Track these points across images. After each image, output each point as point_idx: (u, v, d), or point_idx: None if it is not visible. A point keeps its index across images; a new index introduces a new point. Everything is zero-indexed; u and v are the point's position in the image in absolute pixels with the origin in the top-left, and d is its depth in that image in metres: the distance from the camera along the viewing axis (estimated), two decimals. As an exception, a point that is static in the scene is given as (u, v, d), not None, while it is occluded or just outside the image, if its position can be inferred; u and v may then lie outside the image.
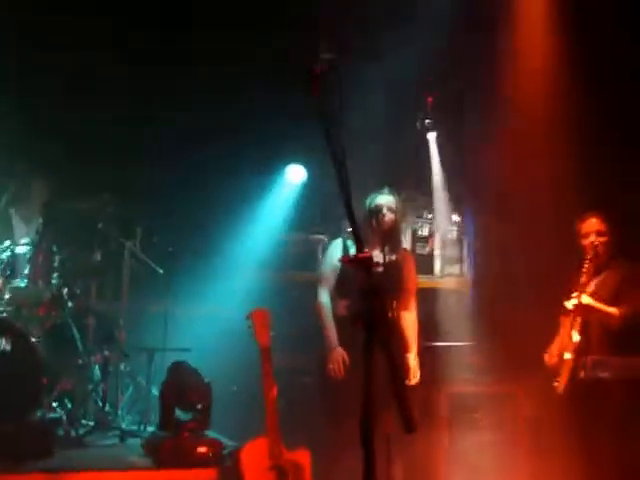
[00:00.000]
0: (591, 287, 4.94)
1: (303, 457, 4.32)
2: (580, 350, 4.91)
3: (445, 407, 6.12)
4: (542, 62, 6.61)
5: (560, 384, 4.97)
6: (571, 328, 4.93)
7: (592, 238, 4.98)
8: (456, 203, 7.06)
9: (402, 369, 4.67)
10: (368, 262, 2.18)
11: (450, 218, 6.99)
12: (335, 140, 2.45)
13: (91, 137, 6.62)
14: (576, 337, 4.90)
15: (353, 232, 2.27)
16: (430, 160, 7.25)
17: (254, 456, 4.21)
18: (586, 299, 4.84)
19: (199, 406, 4.87)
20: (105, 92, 6.64)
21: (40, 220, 5.73)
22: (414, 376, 4.83)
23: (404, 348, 4.85)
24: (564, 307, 4.95)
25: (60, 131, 6.43)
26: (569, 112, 6.17)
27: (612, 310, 4.86)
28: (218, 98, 6.86)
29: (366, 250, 2.25)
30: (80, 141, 6.54)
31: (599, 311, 4.87)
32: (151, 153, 6.77)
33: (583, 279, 4.91)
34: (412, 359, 4.85)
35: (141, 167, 6.74)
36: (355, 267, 2.18)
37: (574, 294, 4.89)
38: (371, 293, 2.11)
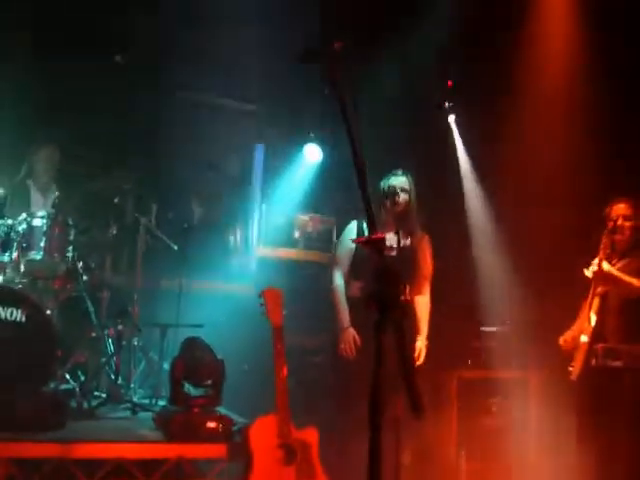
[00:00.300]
0: (602, 252, 4.89)
1: (311, 436, 4.34)
2: (596, 334, 4.89)
3: (455, 391, 6.13)
4: (562, 46, 6.56)
5: (575, 369, 4.97)
6: (589, 309, 4.90)
7: (619, 221, 4.99)
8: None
9: (413, 353, 4.69)
10: (381, 243, 2.18)
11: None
12: (351, 121, 2.44)
13: (108, 116, 6.61)
14: (594, 319, 4.88)
15: (366, 213, 2.27)
16: (449, 142, 7.25)
17: (263, 433, 4.23)
18: (606, 265, 4.81)
19: (209, 382, 4.88)
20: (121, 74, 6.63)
21: (57, 193, 5.75)
22: (419, 358, 4.86)
23: (416, 332, 4.87)
24: (584, 275, 4.91)
25: (80, 109, 6.43)
26: (589, 96, 6.13)
27: (631, 280, 4.84)
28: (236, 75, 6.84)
29: (380, 232, 2.26)
30: (96, 120, 6.53)
31: (619, 280, 4.84)
32: (168, 130, 6.76)
33: (605, 250, 4.87)
34: (420, 341, 4.88)
35: (158, 145, 6.74)
36: (368, 248, 2.19)
37: (595, 261, 4.84)
38: (384, 275, 2.11)
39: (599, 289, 4.93)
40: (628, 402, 4.81)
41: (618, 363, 4.80)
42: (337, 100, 2.50)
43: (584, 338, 4.91)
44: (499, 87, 6.57)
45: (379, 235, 2.20)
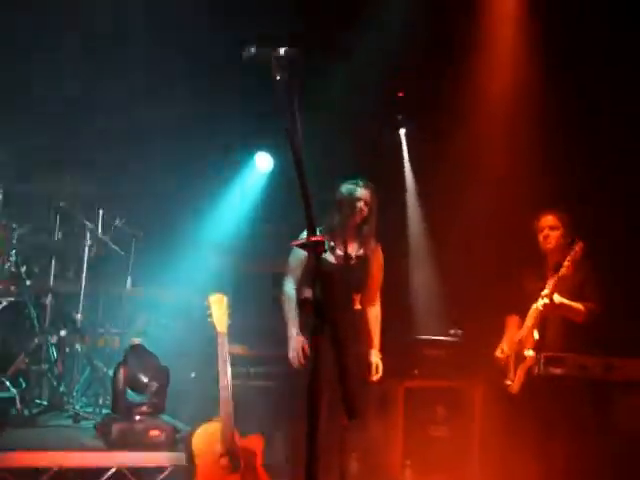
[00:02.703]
0: (552, 284, 4.97)
1: (256, 444, 4.32)
2: (539, 347, 4.95)
3: (401, 401, 6.14)
4: (507, 57, 6.67)
5: (515, 383, 5.01)
6: (532, 327, 4.97)
7: (545, 232, 5.11)
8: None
9: (348, 356, 4.64)
10: (319, 246, 2.17)
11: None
12: (294, 126, 2.44)
13: (57, 117, 6.52)
14: (537, 335, 4.94)
15: (306, 216, 2.25)
16: (398, 156, 7.32)
17: (206, 441, 4.19)
18: (558, 298, 4.88)
19: (153, 389, 4.84)
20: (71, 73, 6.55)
21: (0, 196, 5.65)
22: (376, 372, 4.79)
23: (367, 343, 4.84)
24: (534, 308, 4.98)
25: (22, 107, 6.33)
26: (533, 108, 6.24)
27: (578, 306, 4.92)
28: (183, 83, 6.79)
29: (333, 240, 2.26)
30: (43, 120, 6.43)
31: (570, 308, 4.92)
32: (119, 137, 6.68)
33: (554, 284, 4.95)
34: (374, 355, 4.81)
35: (106, 151, 6.66)
36: (307, 251, 2.18)
37: (545, 292, 4.92)
38: (321, 278, 2.10)
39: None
40: (569, 410, 4.87)
41: (559, 371, 4.85)
42: (284, 105, 2.49)
43: (529, 352, 4.96)
44: (444, 103, 6.65)
45: (317, 237, 2.19)
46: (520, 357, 5.02)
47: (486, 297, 6.05)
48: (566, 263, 4.89)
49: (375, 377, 4.79)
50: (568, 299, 4.94)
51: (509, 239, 6.05)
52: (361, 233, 4.80)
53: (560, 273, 4.89)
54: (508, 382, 5.08)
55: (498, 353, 5.20)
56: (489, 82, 6.73)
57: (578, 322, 4.93)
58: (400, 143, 7.52)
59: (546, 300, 4.89)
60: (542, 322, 4.97)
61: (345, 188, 4.81)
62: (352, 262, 4.66)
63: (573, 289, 4.98)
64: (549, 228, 5.11)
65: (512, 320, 5.25)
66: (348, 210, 4.74)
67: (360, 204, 4.74)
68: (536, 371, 4.93)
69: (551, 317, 4.99)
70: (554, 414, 4.91)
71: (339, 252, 4.67)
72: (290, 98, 2.45)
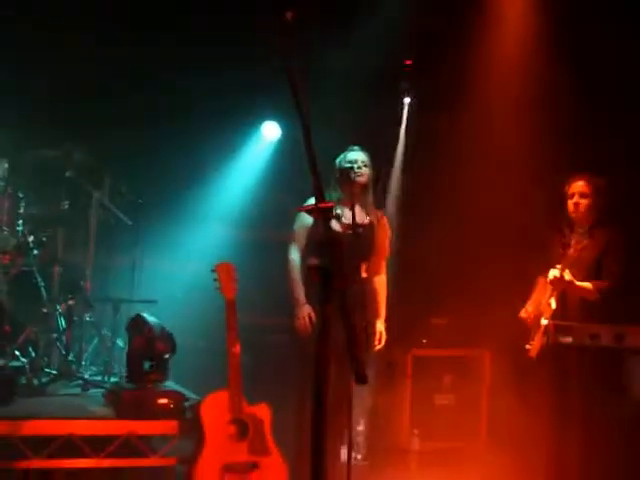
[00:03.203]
0: (572, 256, 4.93)
1: (264, 411, 4.32)
2: (556, 317, 4.90)
3: (409, 370, 6.16)
4: (516, 25, 6.60)
5: (534, 347, 4.98)
6: (550, 295, 4.94)
7: (575, 199, 5.00)
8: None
9: (357, 325, 4.63)
10: (328, 212, 2.15)
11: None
12: (300, 95, 2.41)
13: (59, 86, 6.47)
14: (554, 303, 4.90)
15: (314, 181, 2.23)
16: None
17: (214, 409, 4.20)
18: (568, 275, 4.83)
19: (166, 356, 4.86)
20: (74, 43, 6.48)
21: (5, 165, 5.63)
22: (380, 341, 4.81)
23: (373, 312, 4.84)
24: (547, 275, 4.96)
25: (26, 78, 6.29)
26: (545, 79, 6.18)
27: (587, 286, 4.87)
28: (192, 51, 6.72)
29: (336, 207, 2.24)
30: (46, 90, 6.39)
31: (577, 288, 4.87)
32: (122, 104, 6.62)
33: (568, 250, 4.90)
34: (379, 323, 4.83)
35: (112, 118, 6.61)
36: (315, 217, 2.16)
37: (558, 266, 4.88)
38: (328, 245, 2.08)
39: None
40: (577, 377, 4.86)
41: (568, 339, 4.83)
42: (287, 73, 2.46)
43: (544, 321, 4.94)
44: (450, 72, 6.59)
45: (327, 203, 2.17)
46: (538, 323, 5.01)
47: (506, 263, 6.03)
48: (573, 242, 4.88)
49: (378, 346, 4.81)
50: (585, 275, 4.89)
51: (535, 206, 6.01)
52: (364, 201, 4.78)
53: (569, 252, 4.87)
54: (528, 346, 5.05)
55: (522, 314, 5.16)
56: (497, 50, 6.66)
57: (591, 300, 4.89)
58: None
59: (556, 274, 4.85)
60: (561, 292, 4.94)
61: (342, 156, 4.82)
62: (358, 230, 4.64)
63: (588, 266, 4.94)
64: (579, 195, 4.99)
65: (541, 282, 5.13)
66: (347, 177, 4.73)
67: (357, 165, 4.73)
68: (546, 340, 4.92)
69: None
70: (564, 382, 4.90)
71: (345, 220, 4.65)
72: (295, 64, 2.41)
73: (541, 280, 5.17)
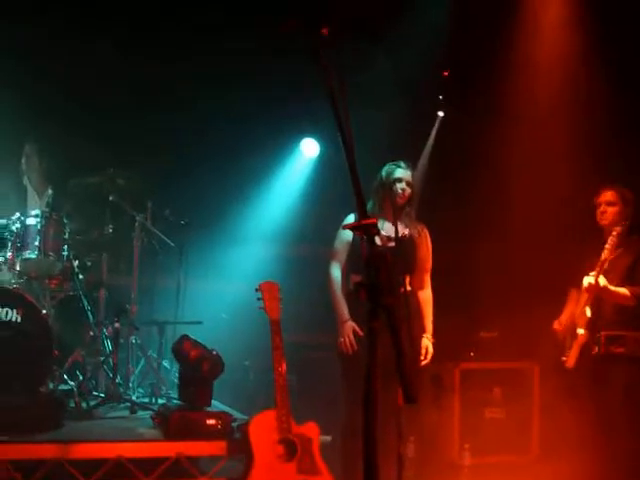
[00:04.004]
0: (607, 263, 4.88)
1: (312, 431, 4.29)
2: (592, 326, 4.88)
3: (457, 383, 6.09)
4: (556, 36, 6.55)
5: (570, 359, 4.94)
6: (584, 304, 4.89)
7: (602, 207, 5.04)
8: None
9: (404, 340, 4.55)
10: (372, 228, 2.12)
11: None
12: (340, 108, 2.39)
13: (103, 110, 6.57)
14: (589, 312, 4.86)
15: (357, 199, 2.21)
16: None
17: (263, 429, 4.19)
18: (603, 280, 4.79)
19: (214, 377, 4.87)
20: (112, 66, 6.58)
21: (50, 192, 5.71)
22: (427, 357, 4.72)
23: (419, 327, 4.78)
24: (581, 283, 4.91)
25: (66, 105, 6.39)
26: (582, 85, 6.12)
27: (623, 291, 4.83)
28: (230, 71, 6.77)
29: (375, 220, 2.21)
30: (86, 116, 6.49)
31: (613, 293, 4.83)
32: (163, 126, 6.70)
33: (602, 256, 4.86)
34: (427, 339, 4.75)
35: (151, 141, 6.69)
36: (359, 234, 2.13)
37: (592, 273, 4.83)
38: (374, 261, 2.05)
39: None
40: (628, 387, 4.78)
41: (621, 350, 4.78)
42: (326, 87, 2.45)
43: (580, 331, 4.90)
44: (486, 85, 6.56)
45: (370, 220, 2.14)
46: (573, 334, 4.95)
47: (544, 273, 5.97)
48: (606, 246, 4.84)
49: (424, 362, 4.72)
50: (619, 282, 4.85)
51: (568, 215, 5.96)
52: (404, 214, 4.75)
53: (602, 256, 4.82)
54: (563, 358, 5.01)
55: (555, 326, 5.14)
56: (534, 58, 6.62)
57: (629, 307, 4.83)
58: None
59: (591, 280, 4.80)
60: (596, 301, 4.88)
61: (385, 170, 4.80)
62: (398, 243, 4.60)
63: (622, 272, 4.91)
64: (606, 204, 5.04)
65: (573, 294, 5.18)
66: (389, 192, 4.70)
67: (402, 185, 4.70)
68: (596, 350, 4.86)
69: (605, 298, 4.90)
70: (615, 393, 4.82)
71: (384, 233, 4.62)
72: (336, 79, 2.40)
73: (573, 292, 5.15)
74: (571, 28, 6.41)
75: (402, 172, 4.77)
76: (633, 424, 4.78)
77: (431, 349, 4.74)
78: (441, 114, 7.31)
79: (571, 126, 6.24)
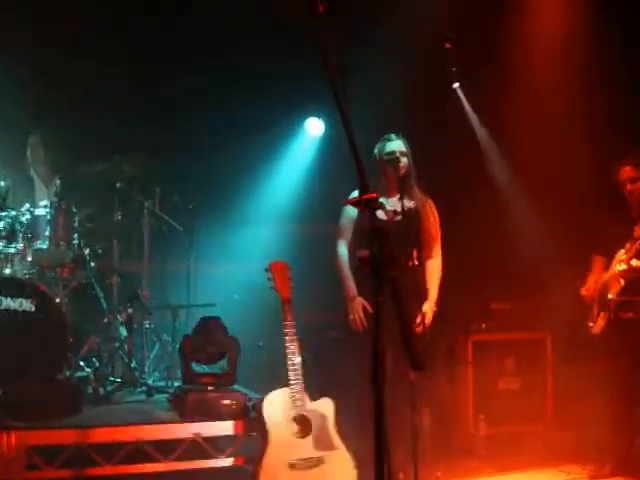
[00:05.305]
0: (629, 248, 4.84)
1: (326, 407, 4.33)
2: (623, 293, 4.87)
3: (470, 355, 6.11)
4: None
5: (597, 325, 4.94)
6: (619, 276, 4.89)
7: (628, 186, 4.98)
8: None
9: (411, 312, 4.53)
10: (373, 203, 2.15)
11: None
12: (339, 87, 2.41)
13: (106, 98, 6.58)
14: (623, 282, 4.87)
15: (358, 173, 2.23)
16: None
17: (277, 407, 4.23)
18: (636, 262, 4.78)
19: (221, 359, 4.91)
20: (118, 53, 6.58)
21: (58, 182, 5.75)
22: (422, 323, 4.59)
23: (422, 294, 4.76)
24: (614, 270, 4.90)
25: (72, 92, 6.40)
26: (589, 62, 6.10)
27: None
28: (234, 52, 6.76)
29: (382, 197, 2.23)
30: (93, 103, 6.50)
31: None
32: (168, 109, 6.72)
33: (631, 248, 4.83)
34: (427, 305, 4.69)
35: (158, 125, 6.70)
36: (361, 209, 2.16)
37: (623, 257, 4.81)
38: (376, 236, 2.08)
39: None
40: (633, 354, 4.79)
41: (630, 314, 4.78)
42: (324, 66, 2.46)
43: (610, 296, 4.88)
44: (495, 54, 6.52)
45: (370, 194, 2.17)
46: (603, 300, 4.93)
47: (563, 246, 5.97)
48: (637, 227, 4.80)
49: (419, 328, 4.57)
50: None
51: (591, 188, 5.95)
52: (407, 187, 4.74)
53: (636, 237, 4.80)
54: (590, 323, 5.00)
55: (583, 291, 5.12)
56: (543, 31, 6.59)
57: None
58: (456, 97, 7.35)
59: (624, 266, 4.79)
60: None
61: (377, 147, 4.81)
62: (403, 216, 4.60)
63: None
64: (630, 181, 4.96)
65: (598, 260, 5.14)
66: (387, 166, 4.71)
67: (399, 158, 4.70)
68: (609, 316, 4.87)
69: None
70: (628, 357, 4.83)
71: (389, 208, 4.63)
72: (337, 59, 2.42)
73: (598, 259, 5.11)
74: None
75: (394, 144, 4.78)
76: None
77: (430, 315, 4.68)
78: (456, 85, 7.26)
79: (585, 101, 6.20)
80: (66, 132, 6.12)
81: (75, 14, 6.26)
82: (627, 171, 4.98)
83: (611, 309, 4.86)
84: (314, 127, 7.77)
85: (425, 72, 6.80)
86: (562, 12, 6.61)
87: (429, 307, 4.69)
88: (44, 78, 6.37)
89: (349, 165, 2.45)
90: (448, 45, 7.08)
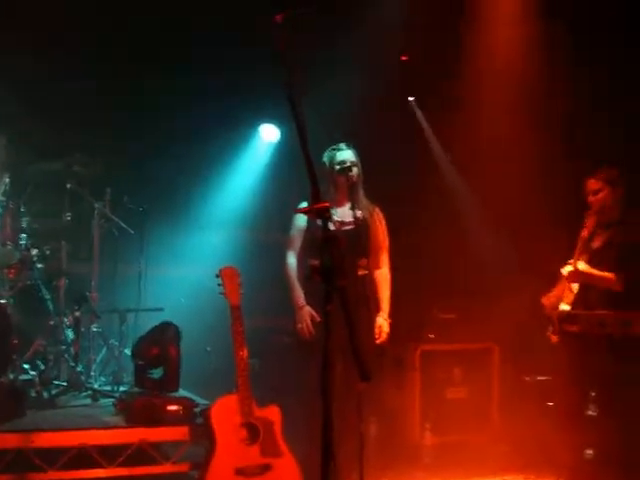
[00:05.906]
0: (591, 249, 4.91)
1: (274, 413, 4.32)
2: (577, 303, 4.90)
3: (418, 364, 6.16)
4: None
5: (554, 334, 4.99)
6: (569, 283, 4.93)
7: (590, 197, 5.01)
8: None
9: (358, 320, 4.56)
10: (324, 212, 2.16)
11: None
12: (294, 94, 2.42)
13: (59, 100, 6.49)
14: (576, 288, 4.89)
15: (310, 183, 2.24)
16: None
17: (225, 413, 4.21)
18: (582, 265, 4.83)
19: (166, 365, 4.89)
20: (74, 57, 6.50)
21: (7, 180, 5.65)
22: (380, 336, 4.71)
23: (375, 308, 4.81)
24: (560, 273, 4.96)
25: (27, 93, 6.31)
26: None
27: (608, 275, 4.79)
28: (186, 57, 6.73)
29: (331, 206, 2.25)
30: (47, 104, 6.41)
31: (595, 276, 4.82)
32: (120, 112, 6.66)
33: (579, 251, 4.89)
34: (380, 318, 4.75)
35: (109, 127, 6.64)
36: (312, 217, 2.17)
37: (570, 260, 4.88)
38: (327, 245, 2.09)
39: None
40: (586, 365, 4.85)
41: (575, 328, 4.84)
42: (284, 72, 2.48)
43: (564, 307, 4.94)
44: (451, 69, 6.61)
45: (321, 204, 2.18)
46: (557, 310, 4.99)
47: (511, 257, 6.05)
48: (583, 232, 4.88)
49: (379, 340, 4.70)
50: (607, 267, 4.81)
51: (541, 198, 6.03)
52: (355, 196, 4.76)
53: (580, 242, 4.85)
54: (548, 332, 5.05)
55: (544, 300, 5.17)
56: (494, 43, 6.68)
57: (616, 290, 4.77)
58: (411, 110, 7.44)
59: (570, 268, 4.85)
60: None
61: (327, 156, 4.82)
62: (351, 226, 4.63)
63: (602, 257, 4.88)
64: (592, 193, 4.99)
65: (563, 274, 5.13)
66: (338, 175, 4.73)
67: (351, 168, 4.72)
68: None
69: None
70: (574, 370, 4.89)
71: (336, 218, 4.64)
72: (293, 65, 2.43)
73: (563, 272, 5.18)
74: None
75: (345, 154, 4.79)
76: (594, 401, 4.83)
77: (386, 328, 4.74)
78: (411, 98, 7.35)
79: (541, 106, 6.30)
80: (18, 130, 6.00)
81: (41, 14, 6.17)
82: (591, 183, 5.02)
83: (554, 322, 4.92)
84: (269, 133, 7.77)
85: (382, 85, 6.88)
86: (515, 23, 6.70)
87: (384, 320, 4.73)
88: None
89: (302, 172, 2.46)
90: (403, 57, 7.18)
